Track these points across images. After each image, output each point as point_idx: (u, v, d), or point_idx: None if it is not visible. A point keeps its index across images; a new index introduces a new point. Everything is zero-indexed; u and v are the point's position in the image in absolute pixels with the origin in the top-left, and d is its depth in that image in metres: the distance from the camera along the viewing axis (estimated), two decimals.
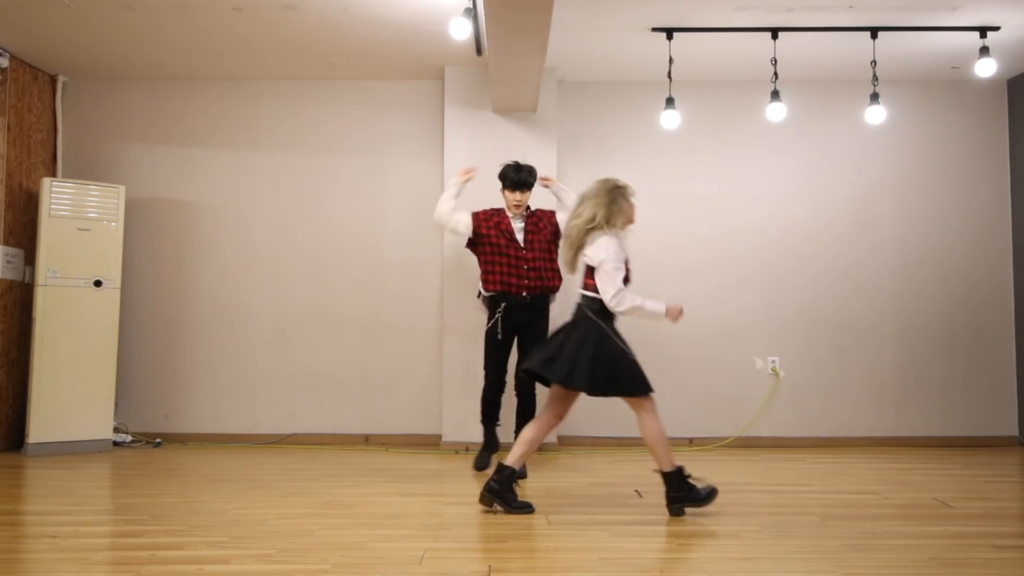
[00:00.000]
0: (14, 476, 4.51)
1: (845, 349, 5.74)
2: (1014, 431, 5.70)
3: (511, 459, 3.59)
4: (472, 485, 4.19)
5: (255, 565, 2.81)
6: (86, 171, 5.82)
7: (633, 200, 3.72)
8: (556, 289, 4.69)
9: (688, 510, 3.56)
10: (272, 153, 5.89)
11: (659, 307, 3.58)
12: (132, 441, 5.60)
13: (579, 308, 3.64)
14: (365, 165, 5.86)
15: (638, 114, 5.80)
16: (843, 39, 5.06)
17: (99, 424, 5.32)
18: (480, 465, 4.68)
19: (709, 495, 3.52)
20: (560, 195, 4.90)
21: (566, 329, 3.63)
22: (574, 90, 5.84)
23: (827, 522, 3.44)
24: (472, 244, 4.74)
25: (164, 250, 5.83)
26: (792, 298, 5.77)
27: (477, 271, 4.78)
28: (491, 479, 3.59)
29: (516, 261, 4.57)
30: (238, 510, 3.63)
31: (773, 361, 5.74)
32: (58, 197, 5.27)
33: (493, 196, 4.86)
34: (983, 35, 4.91)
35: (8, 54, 5.34)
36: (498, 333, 4.58)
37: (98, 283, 5.36)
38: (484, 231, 4.64)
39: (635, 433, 5.14)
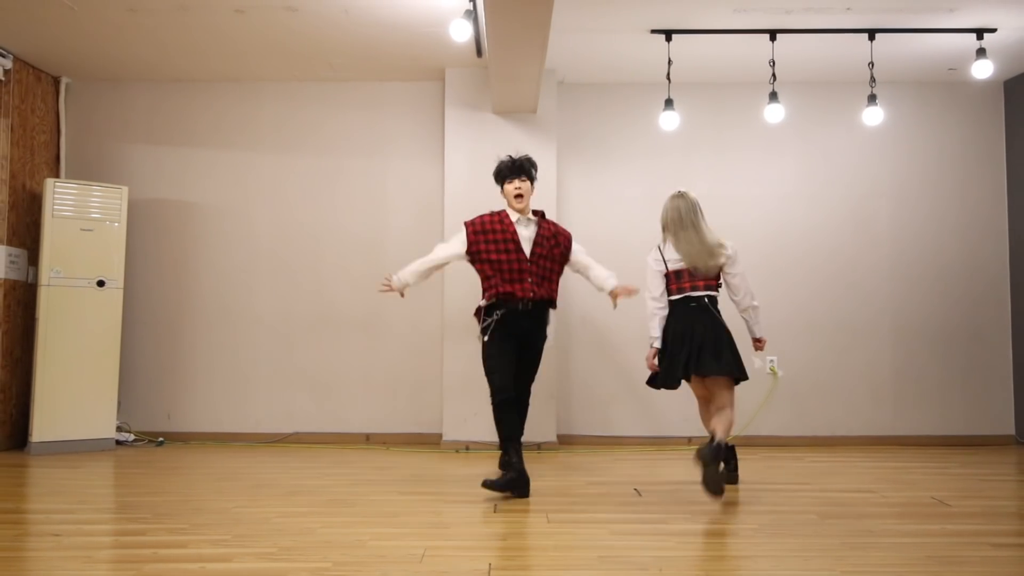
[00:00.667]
0: (18, 475, 4.51)
1: (843, 348, 5.74)
2: (1010, 430, 5.70)
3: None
4: (472, 483, 4.18)
5: (257, 563, 2.80)
6: (89, 172, 5.81)
7: None
8: (553, 299, 4.20)
9: (686, 509, 3.56)
10: (274, 154, 5.88)
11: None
12: (135, 440, 5.60)
13: (706, 306, 4.04)
14: (366, 166, 5.86)
15: (637, 115, 5.80)
16: (841, 41, 5.06)
17: (102, 423, 5.32)
18: (521, 492, 3.88)
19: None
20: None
21: (703, 326, 4.02)
22: (573, 91, 5.84)
23: (825, 520, 3.44)
24: (471, 259, 4.22)
25: (166, 250, 5.83)
26: (790, 298, 5.77)
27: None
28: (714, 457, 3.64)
29: (519, 266, 4.07)
30: (240, 508, 3.63)
31: (771, 360, 5.73)
32: (61, 198, 5.26)
33: (492, 199, 4.84)
34: (980, 37, 4.91)
35: (12, 56, 5.34)
36: (496, 338, 4.04)
37: (101, 283, 5.36)
38: (482, 247, 4.12)
39: (634, 432, 5.17)
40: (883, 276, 5.79)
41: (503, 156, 4.27)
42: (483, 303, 4.13)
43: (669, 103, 5.25)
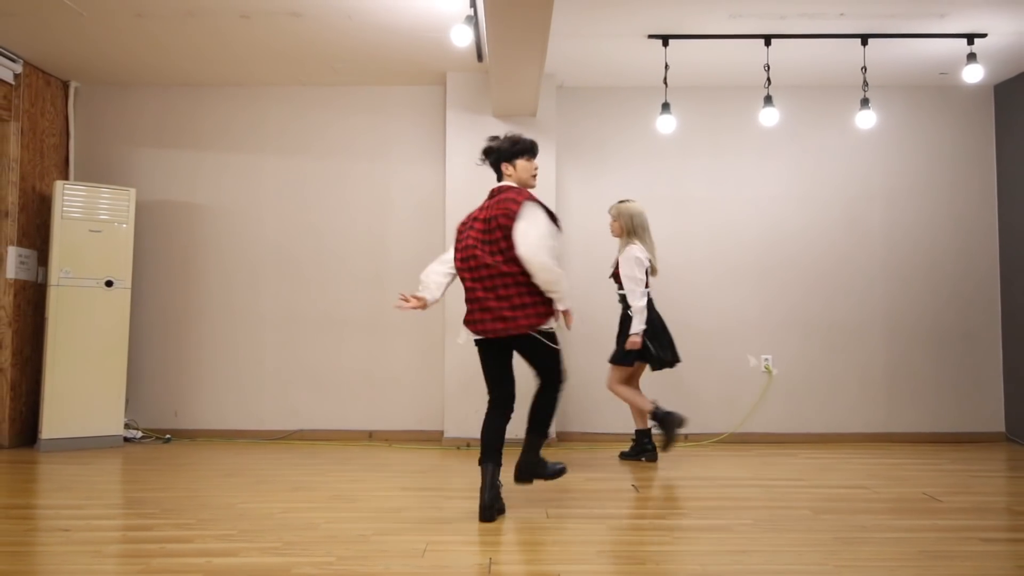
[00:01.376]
0: (28, 471, 4.51)
1: (836, 347, 5.74)
2: (1001, 427, 5.70)
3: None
4: (471, 480, 4.18)
5: (262, 557, 2.81)
6: (98, 174, 5.82)
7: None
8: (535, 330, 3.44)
9: (682, 505, 3.55)
10: (279, 156, 5.89)
11: None
12: (142, 437, 5.60)
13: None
14: (369, 168, 5.86)
15: (635, 118, 5.80)
16: (834, 46, 5.06)
17: (110, 420, 5.32)
18: (486, 517, 3.34)
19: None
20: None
21: (660, 318, 4.76)
22: (572, 95, 5.84)
23: (819, 516, 3.44)
24: None
25: (173, 251, 5.83)
26: (785, 298, 5.77)
27: None
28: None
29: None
30: (245, 504, 3.63)
31: (766, 359, 5.74)
32: (70, 199, 5.26)
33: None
34: (970, 42, 4.91)
35: (22, 61, 5.34)
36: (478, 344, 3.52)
37: (109, 283, 5.36)
38: None
39: (631, 429, 5.15)
40: (876, 276, 5.79)
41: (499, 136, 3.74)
42: None
43: (666, 107, 5.25)
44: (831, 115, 5.81)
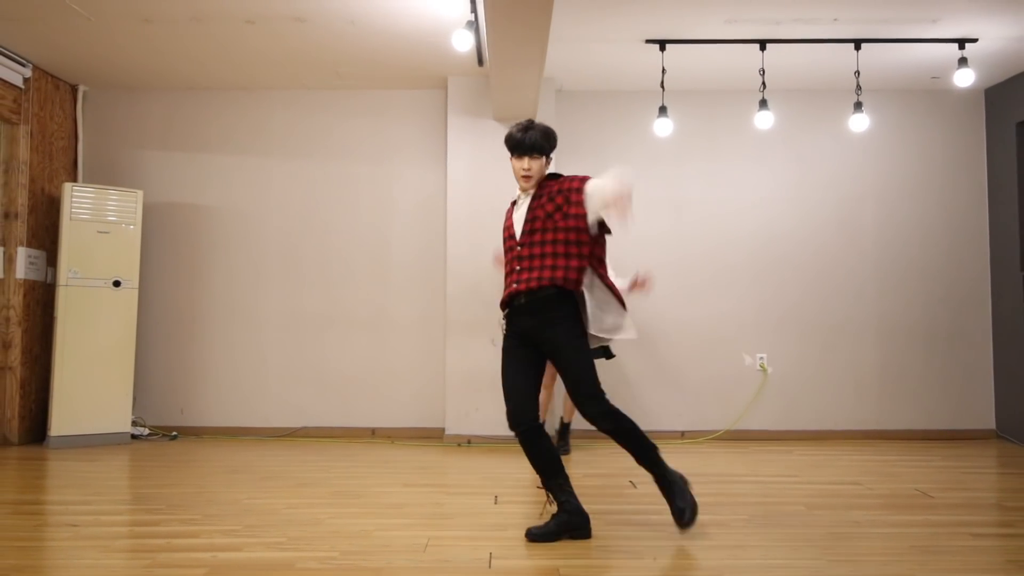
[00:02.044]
0: (37, 468, 4.51)
1: (830, 346, 5.74)
2: (991, 424, 5.70)
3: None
4: (471, 477, 4.19)
5: (266, 552, 2.81)
6: (105, 176, 5.82)
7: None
8: (558, 282, 3.01)
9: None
10: (283, 159, 5.89)
11: None
12: (149, 434, 5.60)
13: None
14: (372, 170, 5.86)
15: (632, 122, 5.80)
16: (828, 50, 5.06)
17: (118, 418, 5.32)
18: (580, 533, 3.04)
19: None
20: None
21: None
22: (571, 99, 5.84)
23: (813, 512, 3.44)
24: None
25: (180, 252, 5.83)
26: (779, 298, 5.77)
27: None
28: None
29: (511, 256, 3.18)
30: (250, 500, 3.63)
31: (761, 358, 5.73)
32: (79, 201, 5.26)
33: (493, 202, 4.85)
34: (962, 47, 4.91)
35: (31, 65, 5.34)
36: (506, 347, 3.14)
37: (117, 283, 5.36)
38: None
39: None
40: (869, 276, 5.79)
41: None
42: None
43: (663, 110, 5.25)
44: (825, 118, 5.81)
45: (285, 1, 4.37)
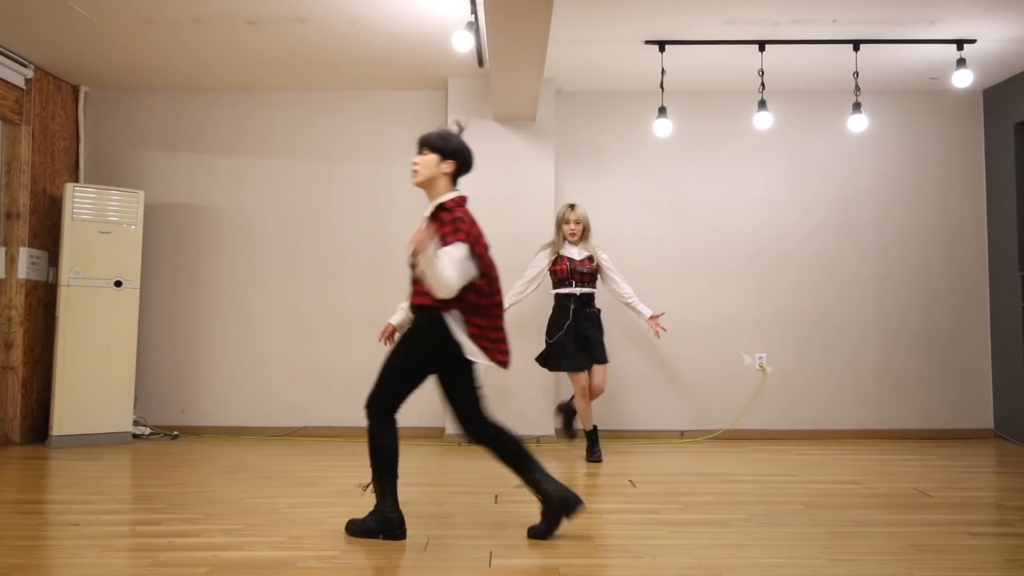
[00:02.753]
0: (38, 467, 4.51)
1: (828, 346, 5.74)
2: (989, 424, 5.70)
3: None
4: (473, 478, 4.18)
5: (268, 551, 2.81)
6: (107, 177, 5.81)
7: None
8: (422, 309, 3.16)
9: (678, 500, 3.54)
10: (284, 160, 5.88)
11: None
12: (151, 433, 5.60)
13: None
14: (372, 170, 5.86)
15: (632, 122, 5.80)
16: (827, 51, 5.06)
17: (119, 417, 5.32)
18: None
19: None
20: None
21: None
22: (571, 100, 5.84)
23: (811, 511, 3.44)
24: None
25: (181, 252, 5.83)
26: (778, 298, 5.76)
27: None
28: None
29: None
30: (252, 499, 3.63)
31: (760, 357, 5.73)
32: (80, 201, 5.26)
33: (493, 203, 4.85)
34: (960, 47, 4.91)
35: (33, 66, 5.34)
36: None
37: (118, 283, 5.36)
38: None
39: (628, 426, 5.17)
40: (867, 276, 5.78)
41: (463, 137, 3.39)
42: None
43: (662, 111, 5.25)
44: (824, 119, 5.81)
45: (286, 2, 4.37)
